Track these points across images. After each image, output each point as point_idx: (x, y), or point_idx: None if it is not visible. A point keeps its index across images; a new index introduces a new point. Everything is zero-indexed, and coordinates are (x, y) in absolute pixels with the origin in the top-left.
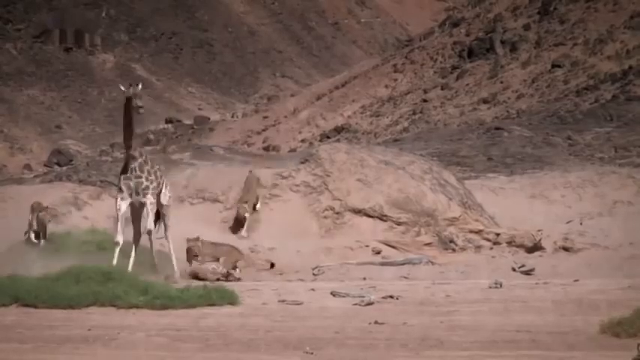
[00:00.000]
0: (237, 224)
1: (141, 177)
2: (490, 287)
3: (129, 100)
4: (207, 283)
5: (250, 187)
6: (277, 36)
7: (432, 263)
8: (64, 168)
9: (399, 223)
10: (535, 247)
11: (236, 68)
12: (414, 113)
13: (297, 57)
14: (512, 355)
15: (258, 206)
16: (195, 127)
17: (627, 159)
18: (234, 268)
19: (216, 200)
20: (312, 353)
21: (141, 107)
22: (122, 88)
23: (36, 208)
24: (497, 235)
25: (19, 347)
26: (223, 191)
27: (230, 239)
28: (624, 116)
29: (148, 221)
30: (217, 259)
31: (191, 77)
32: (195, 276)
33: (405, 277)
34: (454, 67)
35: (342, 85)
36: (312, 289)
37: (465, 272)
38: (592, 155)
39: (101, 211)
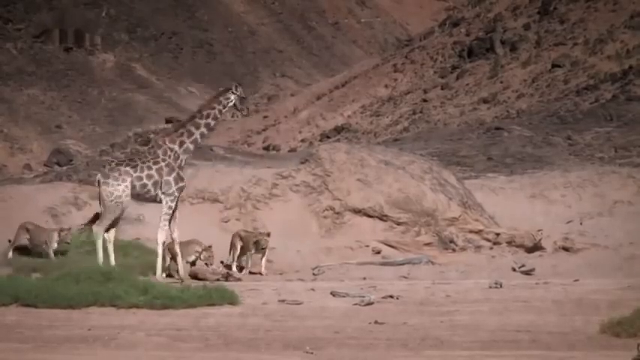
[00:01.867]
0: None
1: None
2: (490, 287)
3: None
4: (207, 283)
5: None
6: (277, 36)
7: (432, 263)
8: (64, 168)
9: (399, 223)
10: (535, 247)
11: (236, 68)
12: (414, 113)
13: (297, 57)
14: (512, 355)
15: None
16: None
17: (627, 159)
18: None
19: (216, 200)
20: (312, 353)
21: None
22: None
23: (32, 230)
24: (497, 235)
25: (19, 347)
26: (223, 191)
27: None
28: (624, 116)
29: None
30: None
31: (191, 77)
32: (195, 276)
33: (405, 277)
34: (454, 67)
35: (342, 85)
36: (312, 289)
37: (465, 272)
38: (592, 155)
39: None
